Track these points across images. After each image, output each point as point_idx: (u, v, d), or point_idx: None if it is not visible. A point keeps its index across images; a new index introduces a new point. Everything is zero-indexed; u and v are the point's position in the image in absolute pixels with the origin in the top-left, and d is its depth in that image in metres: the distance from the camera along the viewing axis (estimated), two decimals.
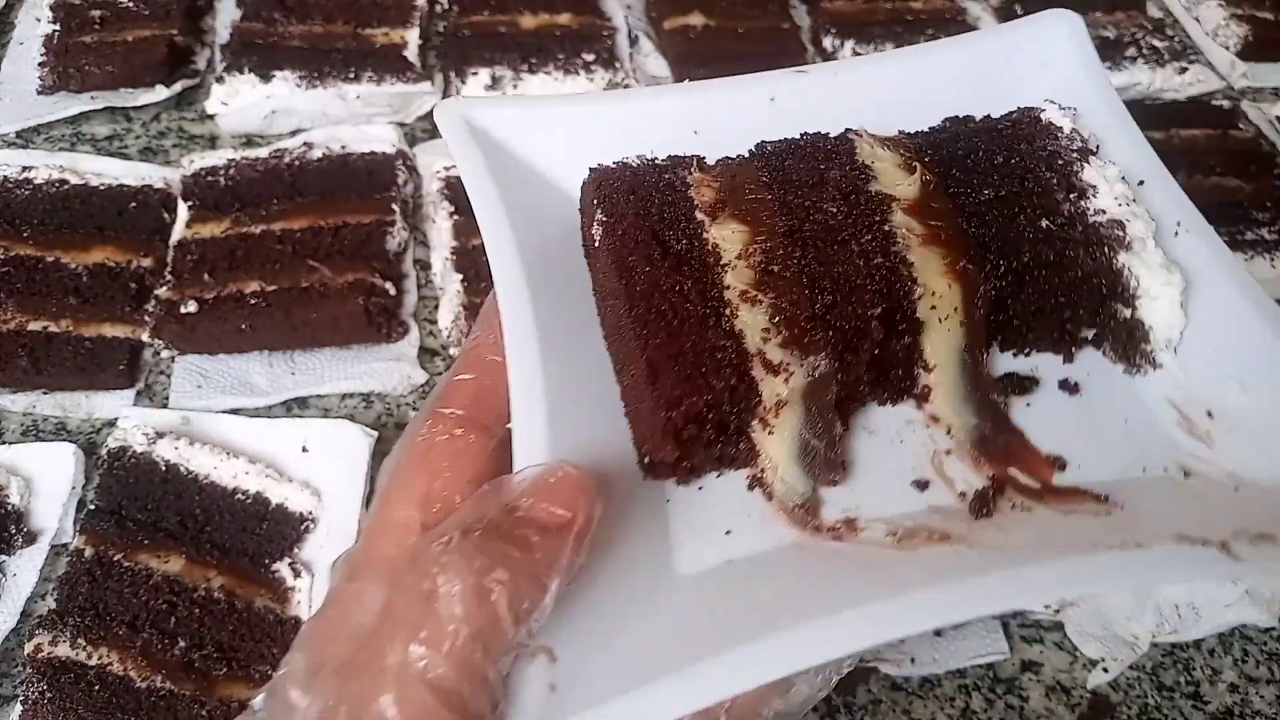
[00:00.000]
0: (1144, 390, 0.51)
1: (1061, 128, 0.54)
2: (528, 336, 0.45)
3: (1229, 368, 0.49)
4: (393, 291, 1.00)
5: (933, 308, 0.49)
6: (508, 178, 0.50)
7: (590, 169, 0.52)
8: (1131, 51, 1.31)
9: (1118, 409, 0.51)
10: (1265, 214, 1.13)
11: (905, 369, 0.50)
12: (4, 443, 0.92)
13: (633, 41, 1.26)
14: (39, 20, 1.23)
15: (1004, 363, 0.52)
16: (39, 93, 1.16)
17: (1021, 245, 0.50)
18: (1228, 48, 1.34)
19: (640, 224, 0.49)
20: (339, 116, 1.16)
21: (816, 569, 0.44)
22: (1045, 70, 0.56)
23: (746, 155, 0.54)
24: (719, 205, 0.50)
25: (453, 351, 0.99)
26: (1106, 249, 0.50)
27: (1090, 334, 0.52)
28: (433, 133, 1.19)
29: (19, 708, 0.76)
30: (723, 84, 0.56)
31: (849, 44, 1.24)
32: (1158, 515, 0.44)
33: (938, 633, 0.85)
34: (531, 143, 0.53)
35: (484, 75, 1.18)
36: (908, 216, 0.50)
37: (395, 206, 1.06)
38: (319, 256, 1.00)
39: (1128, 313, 0.51)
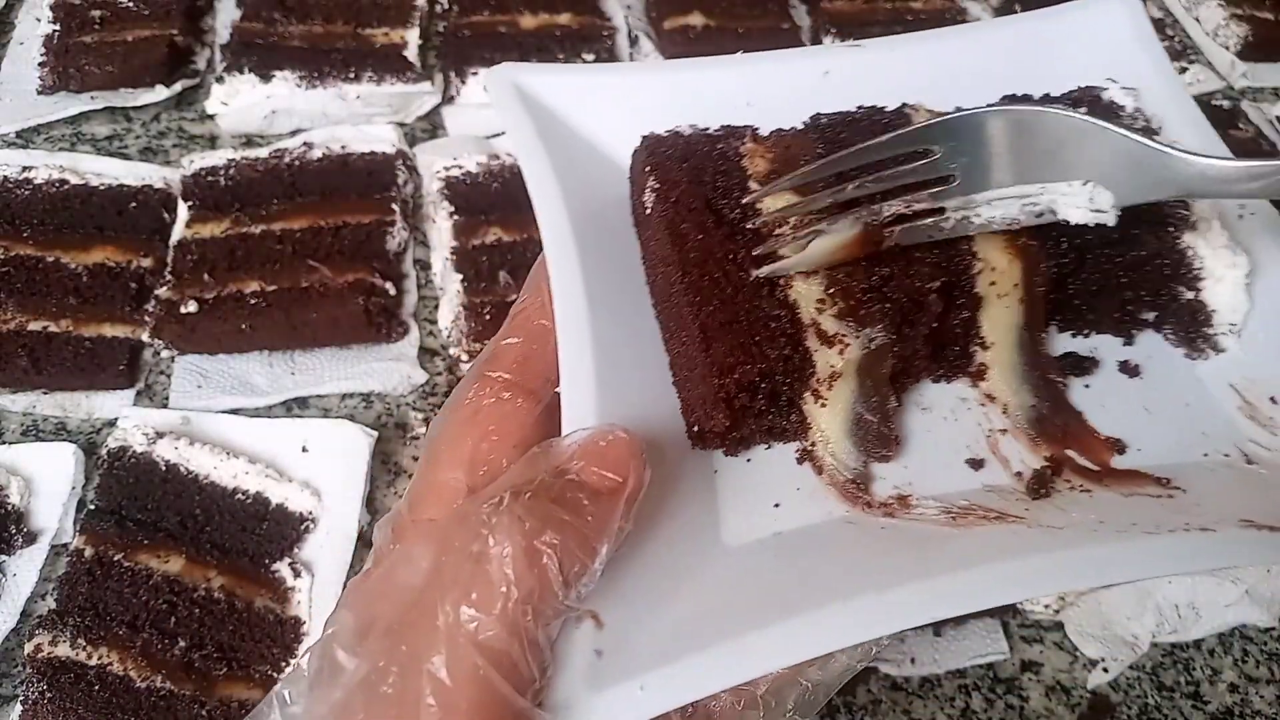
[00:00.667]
0: (1206, 374, 0.50)
1: (1124, 106, 0.53)
2: (576, 299, 0.44)
3: None
4: (393, 291, 1.00)
5: (992, 283, 0.48)
6: (556, 144, 0.50)
7: (643, 136, 0.52)
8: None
9: (1178, 393, 0.50)
10: None
11: (962, 345, 0.49)
12: (4, 443, 0.92)
13: (633, 41, 1.26)
14: (39, 20, 1.23)
15: (1063, 343, 0.52)
16: (39, 93, 1.16)
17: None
18: (1228, 48, 1.34)
19: (694, 192, 0.49)
20: (339, 116, 1.16)
21: (867, 544, 0.43)
22: (1104, 51, 0.56)
23: (801, 127, 0.53)
24: (773, 175, 0.50)
25: (453, 351, 0.99)
26: (1170, 228, 0.50)
27: (1151, 316, 0.52)
28: (433, 133, 1.19)
29: (19, 708, 0.76)
30: (777, 56, 0.56)
31: None
32: (1220, 500, 0.43)
33: (937, 633, 0.85)
34: (582, 110, 0.53)
35: (484, 75, 1.18)
36: None
37: (395, 206, 1.06)
38: (319, 256, 1.00)
39: (1190, 295, 0.50)
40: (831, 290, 0.46)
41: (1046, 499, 0.45)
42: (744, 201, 0.49)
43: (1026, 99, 0.54)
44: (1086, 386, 0.50)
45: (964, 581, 0.38)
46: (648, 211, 0.50)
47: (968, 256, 0.48)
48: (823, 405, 0.46)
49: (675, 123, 0.52)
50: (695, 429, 0.46)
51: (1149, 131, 0.52)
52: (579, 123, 0.53)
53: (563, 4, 1.27)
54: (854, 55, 0.55)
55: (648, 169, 0.50)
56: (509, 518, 0.36)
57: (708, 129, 0.53)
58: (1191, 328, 0.51)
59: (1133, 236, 0.49)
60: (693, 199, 0.48)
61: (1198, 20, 1.38)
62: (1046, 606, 0.87)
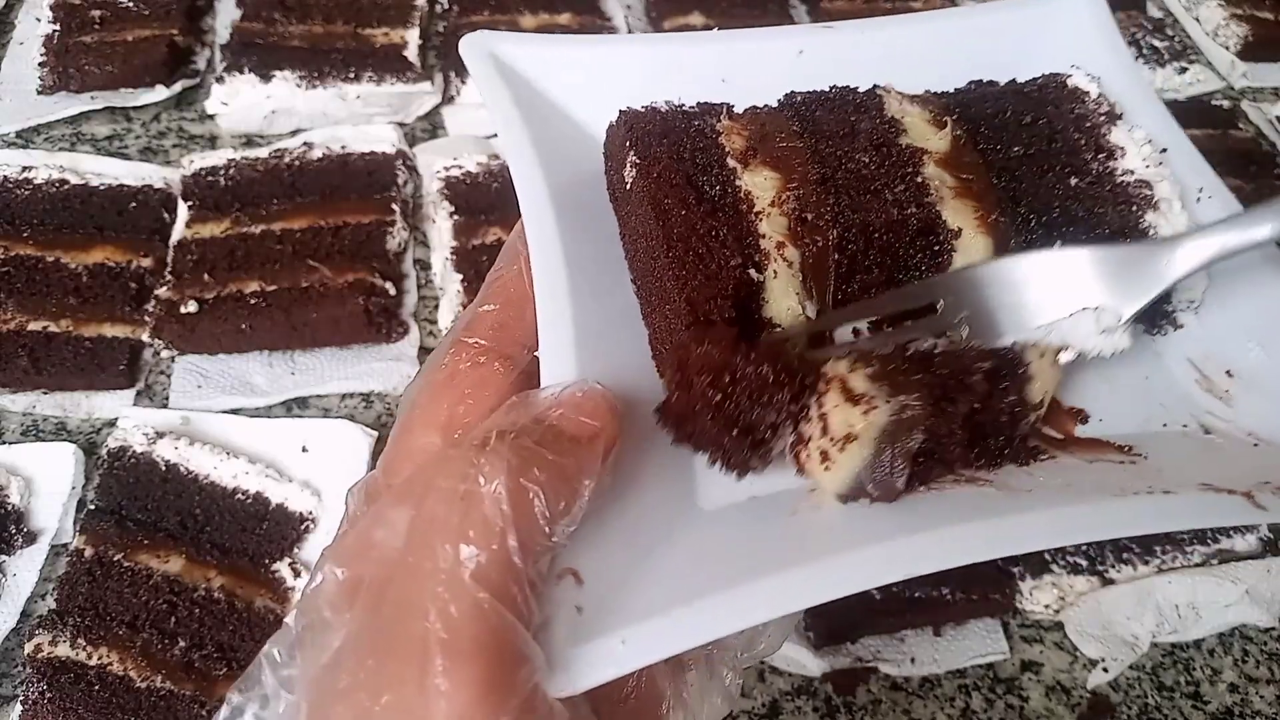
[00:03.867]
0: (1165, 349, 0.52)
1: (1088, 92, 0.54)
2: (554, 260, 0.45)
3: (1249, 329, 0.49)
4: (393, 291, 1.00)
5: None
6: (533, 114, 0.51)
7: (620, 111, 0.52)
8: (1131, 51, 1.31)
9: (1139, 366, 0.51)
10: None
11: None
12: (4, 443, 0.92)
13: None
14: (39, 20, 1.23)
15: None
16: (39, 93, 1.17)
17: (1051, 201, 0.51)
18: (1228, 48, 1.34)
19: (674, 168, 0.49)
20: (339, 116, 1.16)
21: (841, 507, 0.44)
22: (1068, 42, 0.57)
23: (775, 105, 0.54)
24: (750, 152, 0.50)
25: None
26: (1134, 208, 0.51)
27: None
28: (433, 133, 1.19)
29: (19, 708, 0.76)
30: (752, 33, 0.57)
31: None
32: (1181, 467, 0.45)
33: (937, 633, 0.85)
34: (558, 80, 0.53)
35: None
36: (939, 169, 0.50)
37: (395, 206, 1.06)
38: (319, 256, 1.00)
39: None
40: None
41: (1014, 464, 0.46)
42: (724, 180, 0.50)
43: (992, 84, 0.56)
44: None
45: (937, 540, 0.39)
46: (628, 186, 0.50)
47: (939, 219, 0.48)
48: (826, 468, 0.43)
49: (650, 95, 0.53)
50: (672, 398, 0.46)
51: (1113, 115, 0.54)
52: (554, 93, 0.53)
53: (563, 4, 1.27)
54: (827, 35, 0.56)
55: (628, 144, 0.50)
56: (495, 457, 0.36)
57: (684, 105, 0.53)
58: (1152, 304, 0.52)
59: (1098, 215, 0.51)
60: (674, 175, 0.48)
61: (1198, 20, 1.38)
62: (1047, 607, 0.87)
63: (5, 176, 1.06)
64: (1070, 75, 0.55)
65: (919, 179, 0.49)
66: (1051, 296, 0.47)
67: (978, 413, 0.45)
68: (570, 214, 0.47)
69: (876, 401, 0.42)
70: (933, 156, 0.50)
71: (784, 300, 0.46)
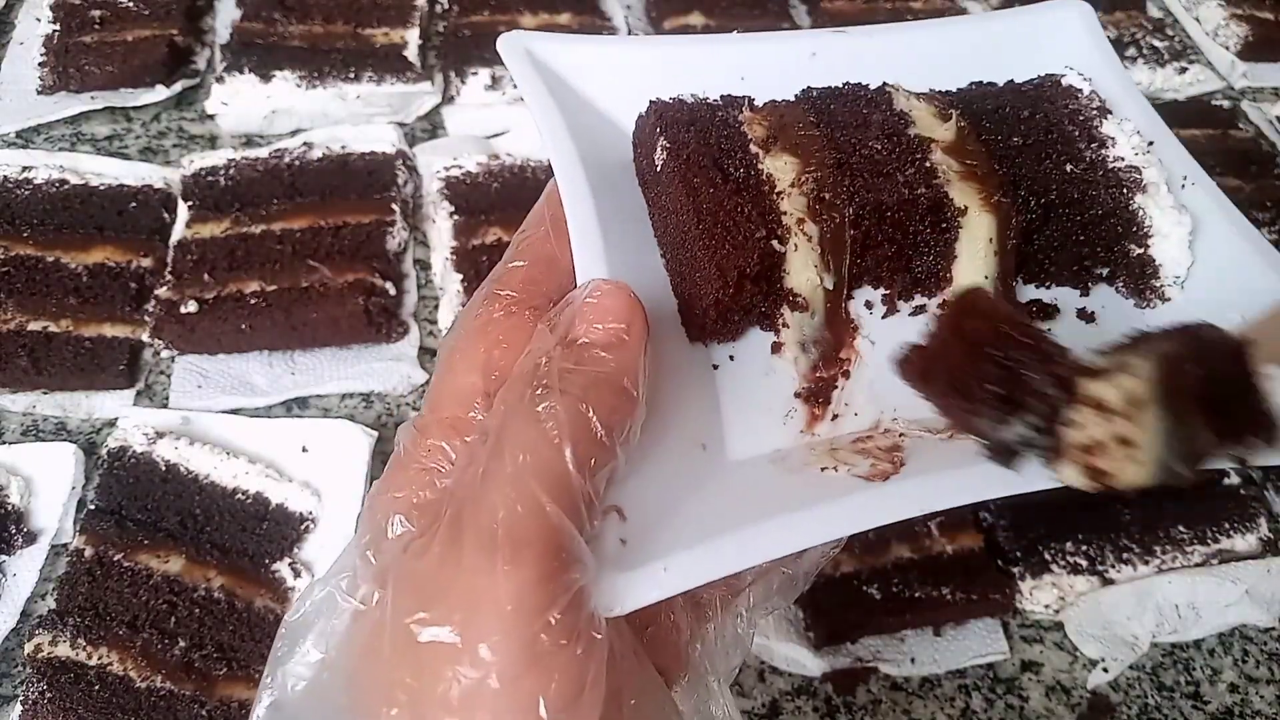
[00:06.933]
0: (1153, 322, 0.55)
1: (1081, 89, 0.59)
2: (590, 227, 0.48)
3: (1231, 302, 0.52)
4: (393, 291, 1.00)
5: (967, 227, 0.53)
6: (565, 106, 0.54)
7: (650, 101, 0.56)
8: (1131, 51, 1.31)
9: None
10: (1265, 214, 1.14)
11: (935, 261, 0.54)
12: (4, 443, 0.92)
13: None
14: (39, 20, 1.23)
15: (1028, 293, 0.57)
16: (39, 93, 1.17)
17: (1049, 185, 0.54)
18: (1228, 48, 1.34)
19: (702, 151, 0.53)
20: (339, 116, 1.16)
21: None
22: (1061, 45, 0.62)
23: (793, 99, 0.58)
24: (771, 139, 0.54)
25: None
26: (1124, 191, 0.55)
27: (1105, 271, 0.57)
28: (433, 133, 1.19)
29: (19, 708, 0.76)
30: (769, 36, 0.62)
31: None
32: None
33: (937, 633, 0.86)
34: (588, 76, 0.57)
35: (484, 75, 1.18)
36: (946, 155, 0.54)
37: (395, 206, 1.06)
38: (319, 256, 1.00)
39: (1140, 251, 0.55)
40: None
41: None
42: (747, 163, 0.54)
43: (992, 84, 0.60)
44: (1049, 330, 0.55)
45: (945, 480, 0.44)
46: (658, 169, 0.54)
47: (950, 210, 0.52)
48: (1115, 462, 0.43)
49: (675, 91, 0.57)
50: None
51: (1104, 110, 0.59)
52: (585, 88, 0.57)
53: (563, 4, 1.27)
54: (839, 40, 0.61)
55: (658, 130, 0.54)
56: (550, 390, 0.39)
57: (708, 98, 0.57)
58: (1141, 280, 0.56)
59: (1092, 197, 0.55)
60: (701, 157, 0.52)
61: (1198, 20, 1.38)
62: (1046, 607, 0.87)
63: (5, 176, 1.06)
64: (1064, 75, 0.60)
65: (927, 164, 0.53)
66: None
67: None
68: (602, 196, 0.50)
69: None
70: (939, 144, 0.54)
71: (804, 271, 0.50)
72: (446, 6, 1.28)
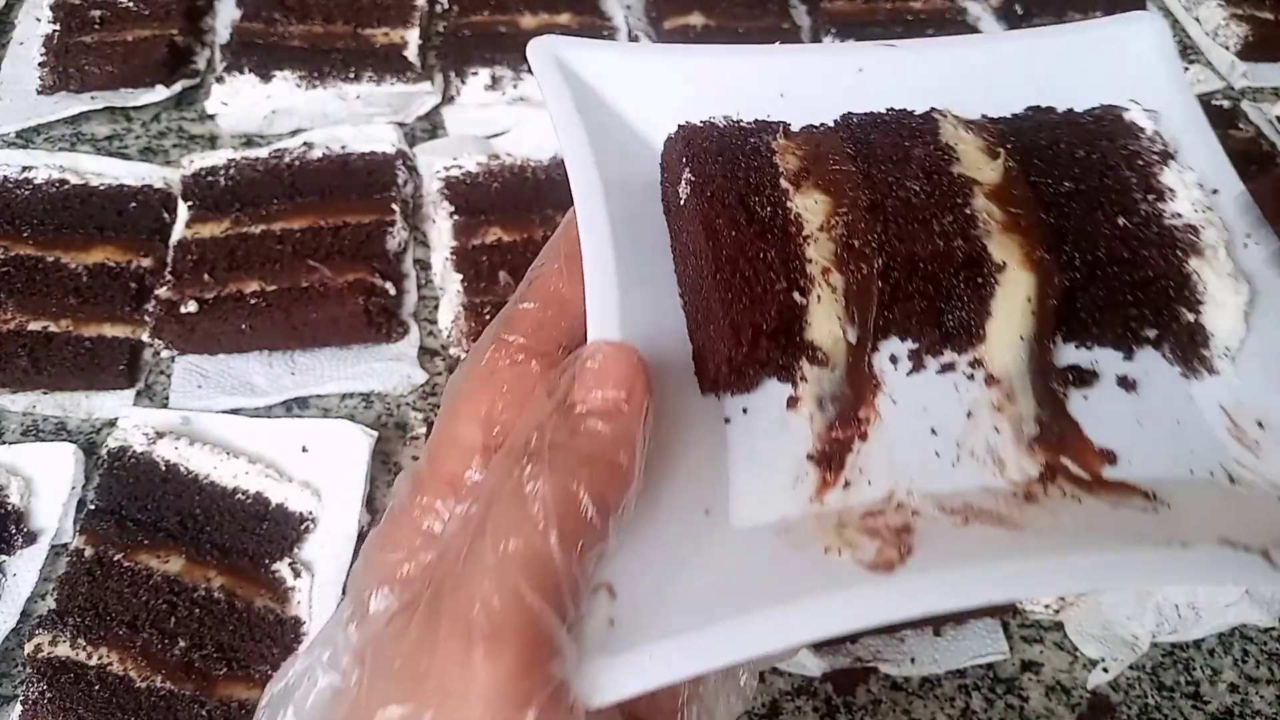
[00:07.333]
0: (1198, 394, 0.51)
1: (1144, 128, 0.54)
2: (606, 264, 0.45)
3: None
4: (393, 291, 1.00)
5: (1006, 284, 0.50)
6: (592, 120, 0.52)
7: (679, 125, 0.53)
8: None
9: (1171, 410, 0.51)
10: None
11: (968, 317, 0.50)
12: (4, 443, 0.92)
13: (633, 41, 1.26)
14: (39, 20, 1.23)
15: (1066, 354, 0.53)
16: (39, 93, 1.16)
17: (1097, 240, 0.51)
18: (1228, 48, 1.34)
19: (728, 187, 0.50)
20: (339, 116, 1.16)
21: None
22: (1127, 70, 0.57)
23: (831, 125, 0.54)
24: (803, 173, 0.51)
25: (453, 351, 1.00)
26: (1179, 252, 0.51)
27: (1153, 334, 0.53)
28: (433, 133, 1.19)
29: (19, 708, 0.76)
30: (813, 49, 0.59)
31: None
32: (1202, 517, 0.45)
33: (937, 633, 0.85)
34: (619, 87, 0.54)
35: (484, 75, 1.18)
36: (989, 201, 0.50)
37: (395, 206, 1.06)
38: (319, 256, 1.00)
39: (1191, 317, 0.51)
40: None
41: (1038, 504, 0.46)
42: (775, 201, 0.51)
43: (1050, 110, 0.56)
44: (1085, 398, 0.51)
45: (960, 578, 0.40)
46: (681, 203, 0.51)
47: (984, 254, 0.49)
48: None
49: (710, 107, 0.53)
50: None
51: (1166, 155, 0.54)
52: (615, 100, 0.54)
53: (563, 4, 1.27)
54: (888, 54, 0.57)
55: (684, 160, 0.51)
56: (537, 458, 0.38)
57: (741, 121, 0.54)
58: (1190, 348, 0.52)
59: (1143, 257, 0.51)
60: (727, 194, 0.50)
61: (1198, 20, 1.38)
62: (1046, 607, 0.87)
63: (5, 176, 1.06)
64: (1127, 110, 0.55)
65: (967, 210, 0.50)
66: None
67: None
68: (622, 222, 0.48)
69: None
70: (983, 188, 0.51)
71: (826, 324, 0.47)
72: (446, 6, 1.28)
